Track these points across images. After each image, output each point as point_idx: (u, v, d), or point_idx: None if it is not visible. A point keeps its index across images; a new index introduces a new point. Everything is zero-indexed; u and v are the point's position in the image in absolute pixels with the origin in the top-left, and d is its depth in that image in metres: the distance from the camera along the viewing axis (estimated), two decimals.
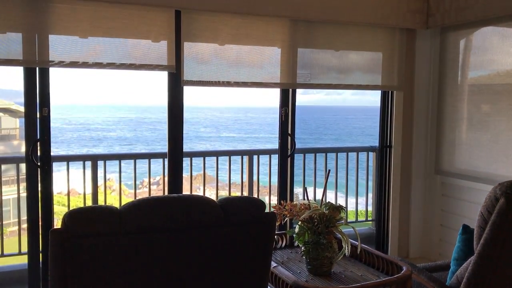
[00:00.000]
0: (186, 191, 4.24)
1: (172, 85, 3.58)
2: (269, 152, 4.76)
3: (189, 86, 3.61)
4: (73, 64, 3.27)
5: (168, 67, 3.51)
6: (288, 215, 2.48)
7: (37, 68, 3.22)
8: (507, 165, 3.75)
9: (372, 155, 4.88)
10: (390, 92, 4.37)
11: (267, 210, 1.84)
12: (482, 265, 2.08)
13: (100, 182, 4.41)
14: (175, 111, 3.62)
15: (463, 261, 2.32)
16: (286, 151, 4.03)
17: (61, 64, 3.23)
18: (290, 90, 3.97)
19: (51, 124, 3.34)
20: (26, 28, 3.11)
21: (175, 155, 3.63)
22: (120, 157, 4.34)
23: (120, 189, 4.57)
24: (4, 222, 3.88)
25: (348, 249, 2.40)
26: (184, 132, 3.69)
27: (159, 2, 3.35)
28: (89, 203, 4.29)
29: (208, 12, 3.55)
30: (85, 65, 3.31)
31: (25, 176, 3.35)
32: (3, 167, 3.82)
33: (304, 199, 2.69)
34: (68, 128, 36.49)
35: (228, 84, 3.74)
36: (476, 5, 3.75)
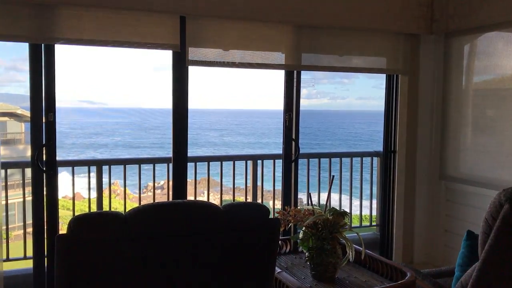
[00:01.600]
0: (190, 195, 4.24)
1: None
2: (273, 157, 4.76)
3: (194, 67, 3.58)
4: (79, 41, 3.26)
5: (173, 45, 3.47)
6: (292, 221, 2.48)
7: (43, 68, 3.23)
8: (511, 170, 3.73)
9: (376, 160, 4.88)
10: (394, 96, 4.37)
11: (271, 216, 1.84)
12: (487, 272, 2.07)
13: (105, 186, 4.42)
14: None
15: (467, 267, 2.31)
16: (290, 156, 4.03)
17: (67, 40, 3.21)
18: (294, 95, 3.97)
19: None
20: (31, 36, 3.14)
21: (180, 159, 3.64)
22: (124, 161, 4.35)
23: (125, 193, 4.58)
24: (9, 226, 3.89)
25: (352, 255, 2.40)
26: (188, 135, 3.69)
27: (164, 8, 3.36)
28: (94, 207, 4.31)
29: (213, 18, 3.57)
30: (91, 42, 3.29)
31: (30, 181, 3.37)
32: (9, 171, 3.84)
33: (308, 204, 2.69)
34: (73, 133, 36.61)
35: (233, 64, 3.72)
36: (480, 10, 3.75)
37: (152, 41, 3.45)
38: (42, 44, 3.20)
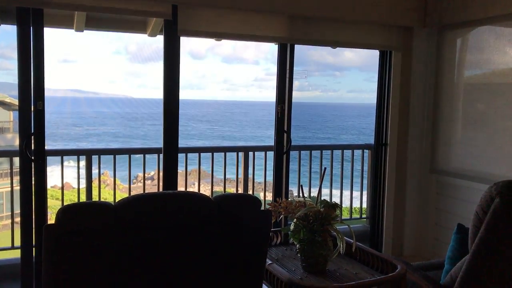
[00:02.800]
0: (180, 186, 4.22)
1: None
2: (264, 149, 4.75)
3: (186, 38, 3.51)
4: (68, 6, 3.18)
5: (164, 14, 3.38)
6: (283, 213, 2.47)
7: (31, 55, 3.17)
8: (502, 164, 3.76)
9: (367, 152, 4.89)
10: (386, 90, 4.36)
11: (262, 208, 1.83)
12: (477, 265, 2.08)
13: (94, 176, 4.38)
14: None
15: (457, 260, 2.32)
16: (282, 148, 4.02)
17: (56, 5, 3.13)
18: (287, 88, 3.94)
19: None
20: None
21: (171, 150, 3.61)
22: (114, 152, 4.31)
23: (115, 184, 4.54)
24: None
25: (343, 247, 2.40)
26: (178, 127, 3.66)
27: None
28: (83, 197, 4.27)
29: (205, 7, 3.53)
30: (81, 7, 3.20)
31: (18, 170, 3.32)
32: None
33: (299, 196, 2.69)
34: (62, 122, 36.30)
35: (224, 35, 3.65)
36: (473, 4, 3.75)
37: (143, 9, 3.35)
38: (31, 29, 3.14)
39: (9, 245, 3.87)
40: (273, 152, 4.07)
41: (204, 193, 1.95)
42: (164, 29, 3.46)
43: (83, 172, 4.13)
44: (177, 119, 3.61)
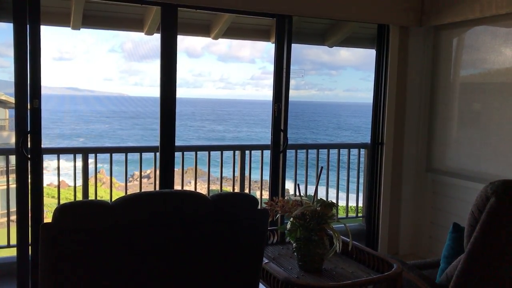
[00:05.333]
0: (177, 185, 4.22)
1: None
2: (261, 147, 4.75)
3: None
4: None
5: None
6: (280, 212, 2.47)
7: (28, 53, 3.16)
8: (497, 163, 3.77)
9: (363, 151, 4.90)
10: (382, 89, 4.37)
11: (259, 206, 1.84)
12: (472, 264, 2.09)
13: (90, 174, 4.37)
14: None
15: (453, 259, 2.33)
16: (279, 146, 4.02)
17: None
18: (284, 86, 3.94)
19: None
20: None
21: (167, 148, 3.61)
22: (111, 150, 4.31)
23: (111, 182, 4.54)
24: None
25: (339, 246, 2.41)
26: (175, 125, 3.65)
27: None
28: (79, 195, 4.26)
29: (202, 6, 3.52)
30: None
31: (14, 168, 3.31)
32: None
33: (296, 195, 2.69)
34: (59, 121, 36.17)
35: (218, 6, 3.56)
36: (469, 4, 3.76)
37: None
38: (28, 27, 3.12)
39: (5, 243, 3.86)
40: (269, 150, 4.07)
41: (200, 191, 1.95)
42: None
43: (79, 170, 4.13)
44: (174, 117, 3.60)
